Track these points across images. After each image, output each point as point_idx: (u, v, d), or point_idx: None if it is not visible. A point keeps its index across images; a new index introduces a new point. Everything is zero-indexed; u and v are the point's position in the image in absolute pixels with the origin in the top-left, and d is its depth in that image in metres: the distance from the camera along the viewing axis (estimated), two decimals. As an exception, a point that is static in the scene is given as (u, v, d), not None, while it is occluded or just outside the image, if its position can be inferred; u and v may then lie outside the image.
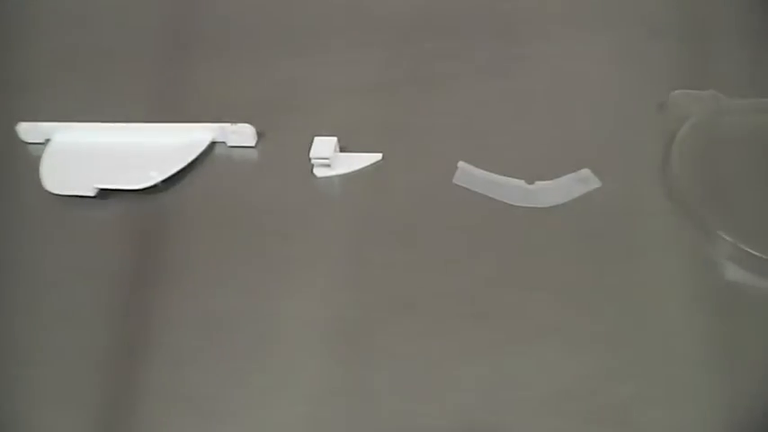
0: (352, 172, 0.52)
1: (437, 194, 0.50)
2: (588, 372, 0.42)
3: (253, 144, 0.54)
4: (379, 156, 0.52)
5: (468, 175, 0.51)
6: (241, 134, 0.54)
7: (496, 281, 0.46)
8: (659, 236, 0.48)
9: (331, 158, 0.51)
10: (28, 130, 0.56)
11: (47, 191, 0.52)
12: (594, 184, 0.50)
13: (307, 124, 0.54)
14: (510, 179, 0.50)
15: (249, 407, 0.42)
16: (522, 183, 0.50)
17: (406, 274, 0.47)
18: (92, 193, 0.52)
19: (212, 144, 0.55)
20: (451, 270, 0.46)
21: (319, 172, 0.52)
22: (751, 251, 0.45)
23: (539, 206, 0.49)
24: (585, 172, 0.50)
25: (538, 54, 0.59)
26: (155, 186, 0.53)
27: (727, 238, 0.46)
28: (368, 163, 0.52)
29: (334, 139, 0.52)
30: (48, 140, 0.56)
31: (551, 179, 0.50)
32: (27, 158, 0.55)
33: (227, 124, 0.54)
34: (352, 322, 0.45)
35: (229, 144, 0.55)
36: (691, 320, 0.44)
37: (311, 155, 0.51)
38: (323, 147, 0.51)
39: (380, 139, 0.54)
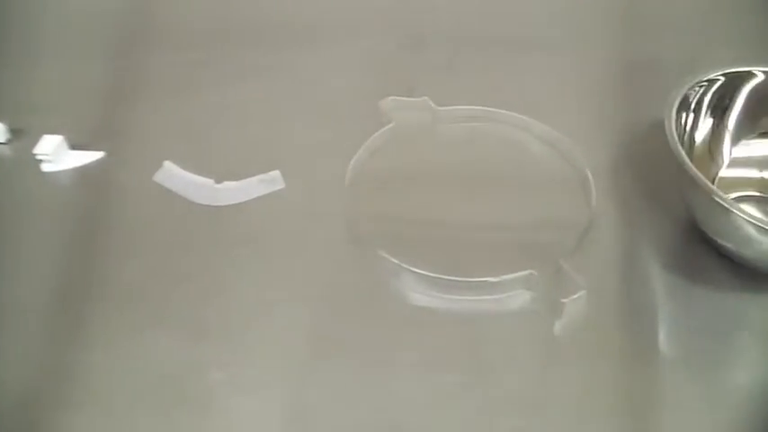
0: (77, 168, 0.56)
1: (139, 191, 0.54)
2: (191, 359, 0.45)
3: (4, 141, 0.59)
4: (100, 154, 0.56)
5: (168, 173, 0.54)
6: (-9, 131, 0.59)
7: (152, 271, 0.49)
8: (320, 239, 0.50)
9: (54, 155, 0.56)
10: None
11: None
12: (279, 185, 0.53)
13: (58, 124, 0.58)
14: (199, 178, 0.53)
15: None
16: (210, 182, 0.53)
17: (86, 262, 0.50)
18: None
19: (-26, 141, 0.60)
20: (119, 260, 0.50)
21: (45, 167, 0.56)
22: (409, 267, 0.47)
23: (221, 204, 0.52)
24: (275, 173, 0.53)
25: (284, 63, 0.62)
26: None
27: (386, 256, 0.48)
28: (89, 160, 0.56)
29: (60, 137, 0.56)
30: None
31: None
32: None
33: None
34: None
35: (-17, 141, 0.59)
36: (319, 317, 0.47)
37: (34, 151, 0.56)
38: (46, 144, 0.56)
39: (117, 138, 0.58)
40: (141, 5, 0.67)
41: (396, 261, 0.47)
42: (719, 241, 0.48)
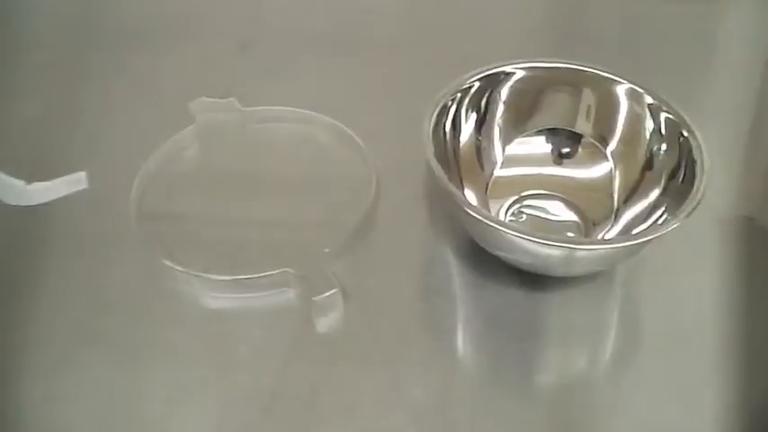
0: None
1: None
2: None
3: None
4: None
5: (-11, 175, 0.58)
6: None
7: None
8: (110, 240, 0.54)
9: None
10: None
11: None
12: (82, 185, 0.56)
13: None
14: (11, 179, 0.57)
15: None
16: (21, 183, 0.56)
17: None
18: None
19: None
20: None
21: None
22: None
23: (29, 204, 0.56)
24: (80, 174, 0.56)
25: (117, 65, 0.65)
26: None
27: (158, 256, 0.51)
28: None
29: None
30: None
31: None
32: None
33: None
34: None
35: None
36: (92, 312, 0.50)
37: None
38: None
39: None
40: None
41: (167, 262, 0.50)
42: (484, 247, 0.50)
